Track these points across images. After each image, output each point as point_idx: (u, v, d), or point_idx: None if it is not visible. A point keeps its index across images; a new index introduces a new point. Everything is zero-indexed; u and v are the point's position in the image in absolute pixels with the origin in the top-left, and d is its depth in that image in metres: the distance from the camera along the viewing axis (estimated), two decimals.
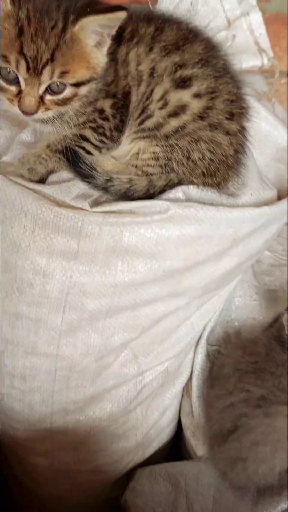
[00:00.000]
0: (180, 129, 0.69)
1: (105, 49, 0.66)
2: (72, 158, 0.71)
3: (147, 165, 0.72)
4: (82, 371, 0.80)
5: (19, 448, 0.91)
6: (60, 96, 0.66)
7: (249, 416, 0.84)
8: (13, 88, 0.65)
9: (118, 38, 0.69)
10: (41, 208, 0.68)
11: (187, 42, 0.70)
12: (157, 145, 0.70)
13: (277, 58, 1.13)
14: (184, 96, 0.69)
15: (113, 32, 0.65)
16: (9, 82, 0.65)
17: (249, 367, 0.92)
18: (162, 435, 1.02)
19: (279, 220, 0.82)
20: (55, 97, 0.66)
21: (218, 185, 0.74)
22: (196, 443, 0.97)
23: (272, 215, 0.77)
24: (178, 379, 0.96)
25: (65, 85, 0.65)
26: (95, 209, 0.69)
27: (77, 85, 0.66)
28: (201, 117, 0.70)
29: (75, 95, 0.67)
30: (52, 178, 0.74)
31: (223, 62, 0.74)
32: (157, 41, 0.69)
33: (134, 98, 0.71)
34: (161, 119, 0.70)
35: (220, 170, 0.73)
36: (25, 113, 0.66)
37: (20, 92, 0.65)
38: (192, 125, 0.70)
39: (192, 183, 0.73)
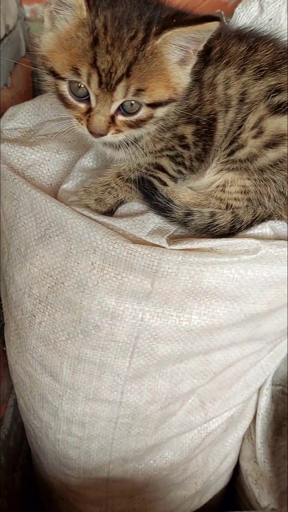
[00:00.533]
0: (279, 162, 0.62)
1: (189, 68, 0.58)
2: (148, 189, 0.64)
3: (234, 199, 0.64)
4: (145, 419, 0.73)
5: (71, 495, 0.84)
6: (134, 117, 0.58)
7: None
8: (83, 106, 0.58)
9: (205, 58, 0.62)
10: (113, 244, 0.61)
11: (284, 62, 0.62)
12: (248, 178, 0.63)
13: None
14: (283, 123, 0.61)
15: (200, 47, 0.57)
16: (79, 98, 0.58)
17: None
18: (220, 481, 0.94)
19: None
20: (128, 118, 0.58)
21: None
22: (260, 492, 0.89)
23: None
24: (240, 423, 0.89)
25: (140, 105, 0.57)
26: (173, 247, 0.62)
27: (153, 105, 0.58)
28: None
29: (150, 117, 0.59)
30: (121, 210, 0.68)
31: None
32: (250, 62, 0.62)
33: (220, 125, 0.63)
34: (256, 149, 0.62)
35: None
36: (94, 134, 0.59)
37: (90, 110, 0.57)
38: None
39: (280, 218, 0.65)
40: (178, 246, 0.62)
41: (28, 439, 0.89)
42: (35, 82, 1.11)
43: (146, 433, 0.75)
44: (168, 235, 0.64)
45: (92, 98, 0.57)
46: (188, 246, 0.62)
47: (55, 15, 0.56)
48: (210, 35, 0.55)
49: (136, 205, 0.67)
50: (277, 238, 0.65)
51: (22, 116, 0.81)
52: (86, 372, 0.69)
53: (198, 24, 0.53)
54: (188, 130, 0.63)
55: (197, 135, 0.63)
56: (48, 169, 0.74)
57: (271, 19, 0.75)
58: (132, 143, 0.62)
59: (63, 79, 0.57)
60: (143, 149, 0.63)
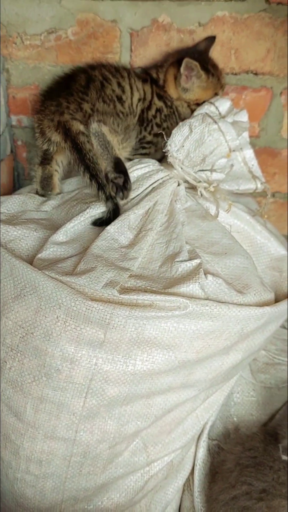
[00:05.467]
0: None
1: None
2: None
3: None
4: (95, 458, 0.84)
5: None
6: None
7: (251, 510, 0.88)
8: None
9: None
10: (75, 301, 0.78)
11: None
12: None
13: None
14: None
15: None
16: None
17: (249, 461, 0.96)
18: None
19: (277, 320, 0.93)
20: None
21: None
22: None
23: (273, 315, 0.88)
24: (180, 473, 1.00)
25: None
26: (123, 296, 0.78)
27: None
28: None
29: None
30: (80, 267, 0.84)
31: None
32: None
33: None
34: None
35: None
36: None
37: None
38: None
39: None
40: (127, 296, 0.79)
41: None
42: (15, 177, 1.33)
43: (95, 472, 0.86)
44: (118, 286, 0.80)
45: None
46: (135, 297, 0.79)
47: None
48: None
49: (91, 261, 0.84)
50: (206, 297, 0.83)
51: (9, 205, 1.01)
52: (47, 411, 0.81)
53: None
54: None
55: None
56: (27, 243, 0.92)
57: (200, 135, 0.99)
58: None
59: None
60: None
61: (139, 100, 1.12)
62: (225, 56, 1.17)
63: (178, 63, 1.10)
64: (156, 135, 1.14)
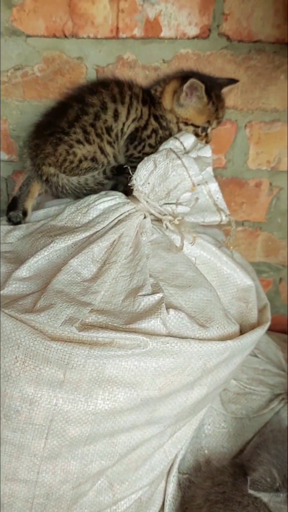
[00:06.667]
0: None
1: None
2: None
3: None
4: (59, 499, 0.83)
5: None
6: None
7: None
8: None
9: None
10: (34, 342, 0.77)
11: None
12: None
13: (232, 211, 1.36)
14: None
15: None
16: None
17: (218, 497, 0.95)
18: None
19: (242, 353, 0.93)
20: None
21: None
22: None
23: (236, 348, 0.88)
24: (150, 509, 0.98)
25: None
26: (82, 333, 0.78)
27: None
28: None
29: None
30: (40, 303, 0.83)
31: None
32: None
33: None
34: None
35: None
36: None
37: None
38: None
39: None
40: (86, 334, 0.78)
41: None
42: None
43: None
44: (78, 322, 0.80)
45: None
46: (95, 334, 0.78)
47: None
48: None
49: (51, 297, 0.83)
50: (168, 332, 0.82)
51: None
52: (7, 453, 0.80)
53: None
54: None
55: None
56: None
57: (164, 171, 1.01)
58: None
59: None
60: None
61: (134, 120, 1.12)
62: None
63: (182, 79, 1.11)
64: (145, 153, 1.13)
